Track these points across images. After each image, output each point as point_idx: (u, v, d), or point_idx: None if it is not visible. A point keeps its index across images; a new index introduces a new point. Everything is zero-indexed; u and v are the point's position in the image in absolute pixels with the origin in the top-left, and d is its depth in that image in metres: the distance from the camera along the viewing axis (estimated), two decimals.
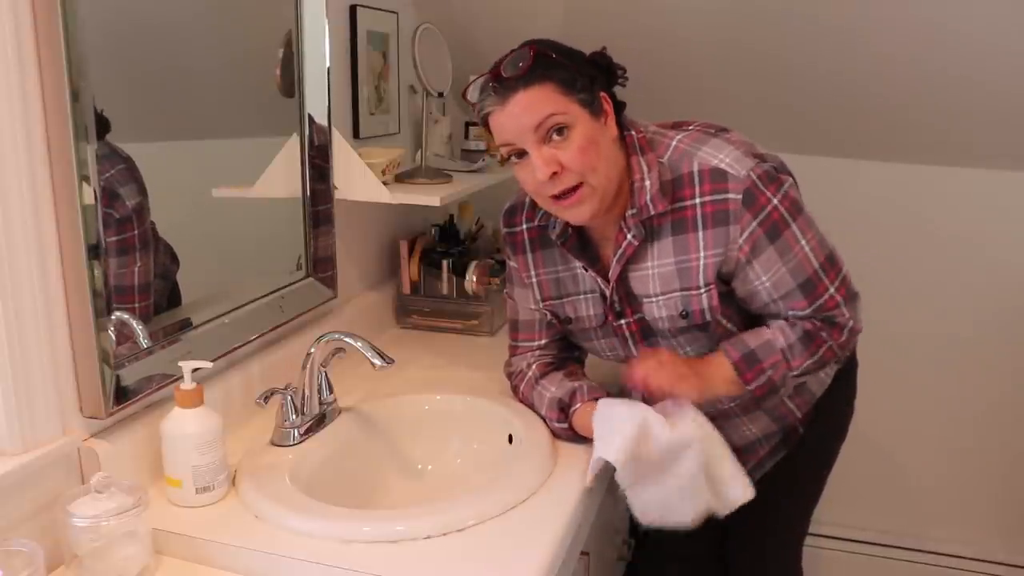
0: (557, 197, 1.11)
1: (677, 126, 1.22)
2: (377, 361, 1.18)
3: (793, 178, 1.20)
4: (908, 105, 1.78)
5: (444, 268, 1.77)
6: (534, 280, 1.30)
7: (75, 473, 1.00)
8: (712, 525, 1.20)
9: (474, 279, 1.73)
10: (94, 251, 0.97)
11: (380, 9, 1.68)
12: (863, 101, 1.80)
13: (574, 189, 1.10)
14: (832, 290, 1.17)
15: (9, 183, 0.86)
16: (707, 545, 1.46)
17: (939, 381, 2.07)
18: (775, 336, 1.17)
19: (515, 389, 1.35)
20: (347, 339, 1.20)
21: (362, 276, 1.73)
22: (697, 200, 1.13)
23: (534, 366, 1.32)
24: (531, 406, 1.31)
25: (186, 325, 1.17)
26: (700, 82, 1.86)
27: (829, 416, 1.37)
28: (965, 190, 1.93)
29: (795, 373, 1.18)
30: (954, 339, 2.03)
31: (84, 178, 0.94)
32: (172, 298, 1.16)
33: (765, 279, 1.15)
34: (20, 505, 0.93)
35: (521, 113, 1.07)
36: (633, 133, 1.17)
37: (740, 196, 1.10)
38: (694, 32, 1.74)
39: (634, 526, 1.33)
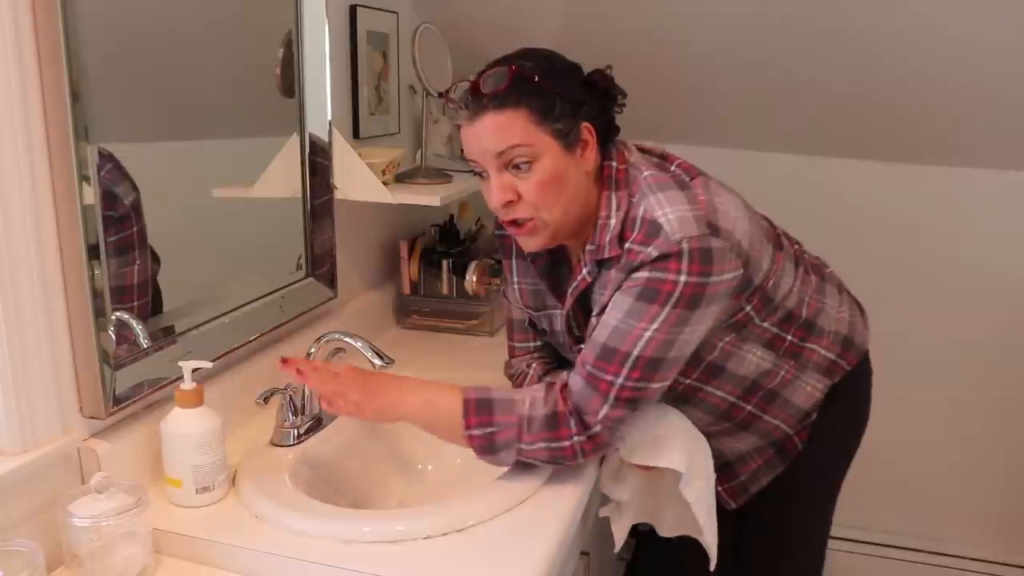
0: (511, 222, 1.10)
1: (663, 159, 1.16)
2: (377, 361, 1.18)
3: (753, 268, 1.10)
4: (908, 105, 1.78)
5: (444, 268, 1.77)
6: (516, 287, 1.30)
7: (75, 473, 1.00)
8: (721, 529, 1.20)
9: (474, 279, 1.72)
10: (94, 251, 0.97)
11: (380, 9, 1.68)
12: (863, 102, 1.80)
13: (526, 221, 1.08)
14: (618, 382, 1.04)
15: (9, 183, 0.86)
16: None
17: (940, 381, 2.07)
18: (523, 401, 1.07)
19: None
20: (347, 339, 1.20)
21: (362, 276, 1.73)
22: (629, 246, 1.06)
23: (534, 365, 1.32)
24: None
25: (172, 329, 1.16)
26: (699, 83, 1.86)
27: (829, 429, 1.29)
28: (965, 190, 1.93)
29: (523, 448, 1.06)
30: (955, 339, 2.03)
31: (84, 178, 0.94)
32: (155, 299, 1.13)
33: (606, 313, 1.07)
34: (20, 505, 0.93)
35: (487, 135, 1.03)
36: (613, 164, 1.11)
37: (655, 254, 1.01)
38: (693, 33, 1.74)
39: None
